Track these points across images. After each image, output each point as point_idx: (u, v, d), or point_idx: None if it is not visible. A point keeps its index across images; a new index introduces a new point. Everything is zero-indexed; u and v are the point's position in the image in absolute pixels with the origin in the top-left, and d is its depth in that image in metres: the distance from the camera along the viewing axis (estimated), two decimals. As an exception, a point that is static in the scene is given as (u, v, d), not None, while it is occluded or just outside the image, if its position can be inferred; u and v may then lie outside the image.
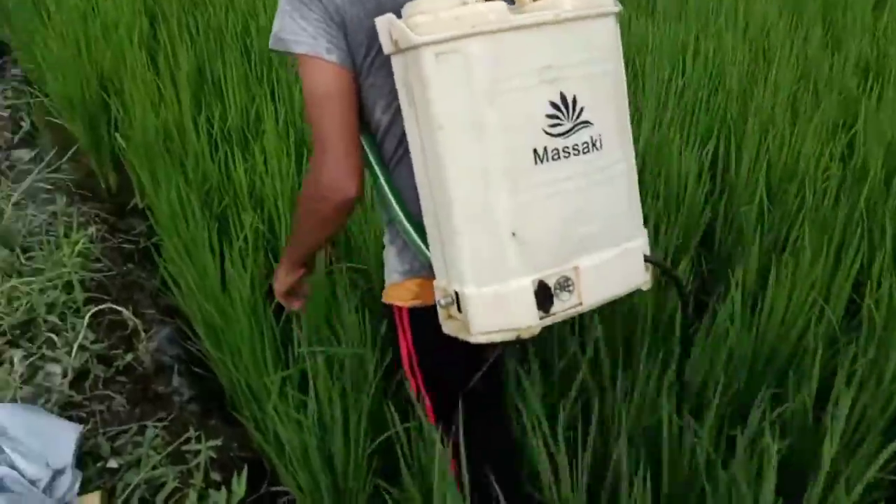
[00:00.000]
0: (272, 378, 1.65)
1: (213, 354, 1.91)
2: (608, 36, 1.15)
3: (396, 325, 1.35)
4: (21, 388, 1.93)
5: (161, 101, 2.74)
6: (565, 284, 1.11)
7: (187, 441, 1.87)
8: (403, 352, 1.37)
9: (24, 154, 3.30)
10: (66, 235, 2.52)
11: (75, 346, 2.04)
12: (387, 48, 1.08)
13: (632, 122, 1.23)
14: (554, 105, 1.08)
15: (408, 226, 1.22)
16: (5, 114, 3.68)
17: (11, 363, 2.00)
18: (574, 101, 1.09)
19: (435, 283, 1.15)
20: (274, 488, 1.82)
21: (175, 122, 2.67)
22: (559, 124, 1.08)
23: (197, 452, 1.83)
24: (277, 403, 1.55)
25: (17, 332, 2.12)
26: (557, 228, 1.10)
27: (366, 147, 1.23)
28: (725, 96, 2.77)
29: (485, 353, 1.31)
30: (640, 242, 1.21)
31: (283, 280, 1.42)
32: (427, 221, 1.14)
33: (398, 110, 1.13)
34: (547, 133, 1.07)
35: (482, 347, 1.18)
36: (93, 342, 2.13)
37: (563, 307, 1.11)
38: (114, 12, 3.43)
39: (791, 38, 3.37)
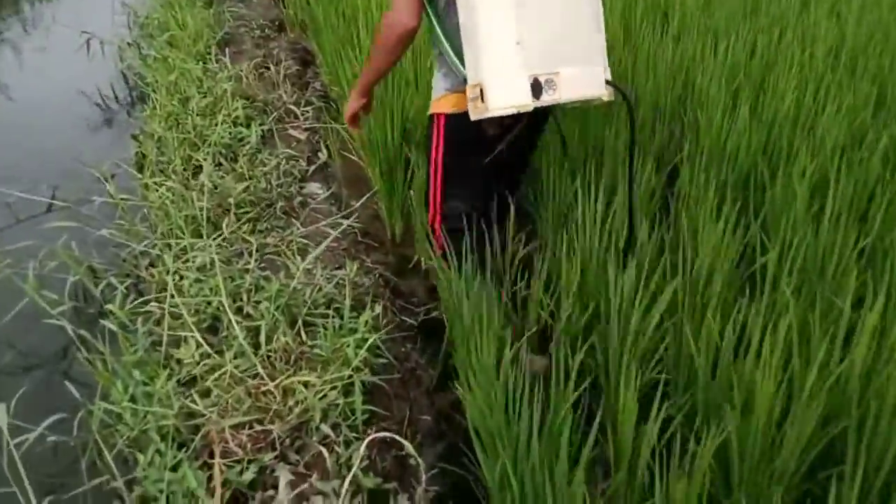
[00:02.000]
0: None
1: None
2: None
3: (432, 134, 1.99)
4: (282, 526, 1.62)
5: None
6: (550, 83, 1.74)
7: None
8: (432, 153, 2.01)
9: (317, 188, 3.11)
10: (353, 309, 2.22)
11: (346, 481, 1.69)
12: None
13: None
14: None
15: (452, 54, 1.83)
16: (303, 137, 3.54)
17: (276, 487, 1.70)
18: None
19: (468, 86, 1.73)
20: None
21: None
22: None
23: None
24: None
25: (287, 441, 1.82)
26: (546, 43, 1.74)
27: (426, 3, 1.85)
28: None
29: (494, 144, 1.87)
30: (601, 69, 1.88)
31: (352, 104, 2.12)
32: (465, 46, 1.74)
33: None
34: None
35: (492, 146, 1.86)
36: (364, 469, 1.77)
37: (548, 97, 1.74)
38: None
39: None
